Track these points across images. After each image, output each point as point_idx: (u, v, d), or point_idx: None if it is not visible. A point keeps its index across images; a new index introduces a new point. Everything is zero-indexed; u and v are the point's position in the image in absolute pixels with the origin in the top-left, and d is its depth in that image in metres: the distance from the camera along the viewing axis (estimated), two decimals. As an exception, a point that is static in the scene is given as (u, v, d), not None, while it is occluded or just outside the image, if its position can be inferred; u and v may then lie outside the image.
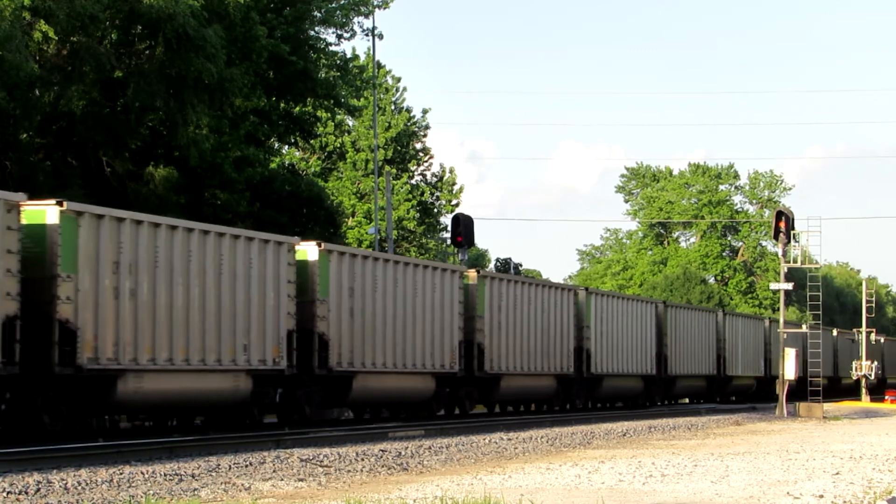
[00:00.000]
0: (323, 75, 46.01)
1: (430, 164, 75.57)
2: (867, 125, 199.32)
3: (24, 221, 22.03)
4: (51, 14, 31.62)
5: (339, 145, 69.14)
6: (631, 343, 46.37)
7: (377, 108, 61.31)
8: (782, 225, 46.56)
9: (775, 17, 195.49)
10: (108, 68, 34.90)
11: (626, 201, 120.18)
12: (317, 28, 46.81)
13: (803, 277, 53.34)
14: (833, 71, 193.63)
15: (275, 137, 48.37)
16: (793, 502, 15.32)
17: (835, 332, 75.15)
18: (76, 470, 17.99)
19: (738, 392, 61.80)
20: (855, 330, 77.89)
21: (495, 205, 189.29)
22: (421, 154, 74.74)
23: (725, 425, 37.01)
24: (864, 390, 67.83)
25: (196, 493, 15.82)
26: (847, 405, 57.91)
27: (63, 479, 16.66)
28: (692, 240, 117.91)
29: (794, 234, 47.02)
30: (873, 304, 73.31)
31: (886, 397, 65.92)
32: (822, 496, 15.86)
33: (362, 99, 56.11)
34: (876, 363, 70.00)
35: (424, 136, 74.99)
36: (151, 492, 15.77)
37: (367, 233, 65.05)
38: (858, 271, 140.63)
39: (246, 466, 19.28)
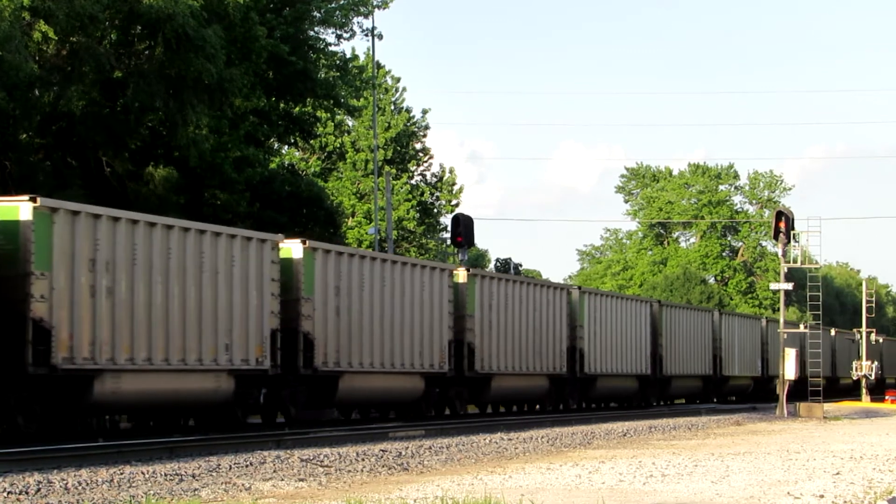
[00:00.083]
0: (323, 75, 46.02)
1: (430, 165, 75.64)
2: (867, 125, 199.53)
3: (-4, 218, 21.69)
4: (50, 14, 31.60)
5: (338, 145, 69.14)
6: (625, 343, 46.12)
7: (377, 108, 61.31)
8: (782, 225, 46.54)
9: (775, 17, 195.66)
10: (108, 68, 34.89)
11: (626, 201, 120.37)
12: (316, 28, 46.84)
13: (803, 277, 53.33)
14: (833, 71, 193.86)
15: (274, 137, 48.36)
16: (793, 502, 15.32)
17: (833, 332, 75.16)
18: (77, 470, 17.98)
19: (735, 392, 61.71)
20: (855, 330, 77.90)
21: (495, 205, 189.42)
22: (421, 154, 74.73)
23: (726, 425, 37.00)
24: (864, 390, 67.83)
25: (196, 493, 15.81)
26: (847, 405, 57.90)
27: (63, 479, 16.65)
28: (692, 240, 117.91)
29: (794, 234, 47.00)
30: (873, 304, 73.29)
31: (887, 397, 65.94)
32: (822, 496, 15.85)
33: (362, 99, 56.10)
34: (876, 363, 70.01)
35: (424, 136, 75.06)
36: (152, 492, 15.76)
37: (367, 233, 65.04)
38: (858, 271, 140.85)
39: (246, 466, 19.27)
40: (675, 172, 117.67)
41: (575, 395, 43.20)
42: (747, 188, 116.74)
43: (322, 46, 46.92)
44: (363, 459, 21.00)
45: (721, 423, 37.70)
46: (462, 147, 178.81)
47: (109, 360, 23.54)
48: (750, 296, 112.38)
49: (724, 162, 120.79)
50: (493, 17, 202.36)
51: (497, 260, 59.35)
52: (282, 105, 45.96)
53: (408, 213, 70.55)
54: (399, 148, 71.56)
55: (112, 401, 24.15)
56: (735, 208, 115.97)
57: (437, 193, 75.33)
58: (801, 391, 50.63)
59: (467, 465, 20.99)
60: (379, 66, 69.34)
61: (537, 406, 41.79)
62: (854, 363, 69.60)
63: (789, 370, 45.55)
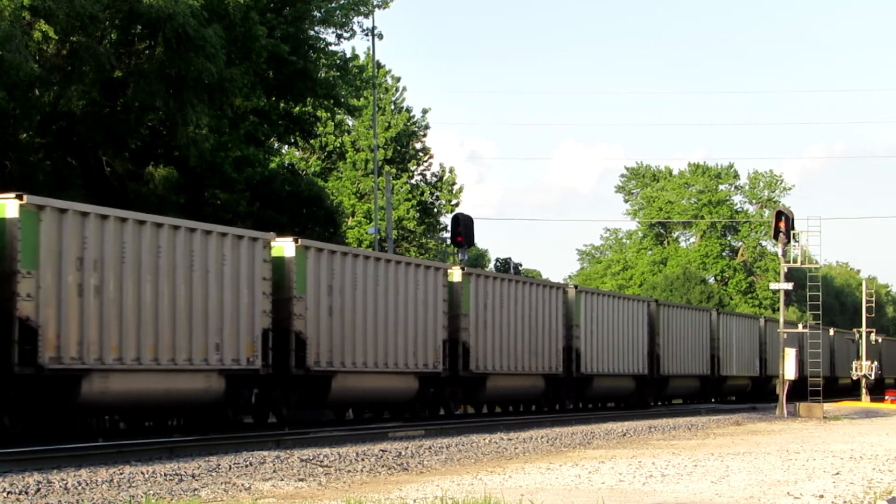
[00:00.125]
0: (323, 75, 46.01)
1: (430, 164, 75.65)
2: (867, 125, 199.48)
3: (-19, 216, 21.44)
4: (50, 14, 31.61)
5: (338, 145, 69.14)
6: (622, 342, 45.91)
7: (377, 108, 61.31)
8: (782, 225, 46.53)
9: (775, 17, 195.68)
10: (108, 68, 34.89)
11: (626, 201, 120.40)
12: (316, 28, 46.83)
13: (803, 277, 53.32)
14: (833, 71, 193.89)
15: (275, 137, 48.36)
16: (793, 502, 15.32)
17: (831, 332, 75.16)
18: (76, 470, 17.98)
19: (733, 392, 61.60)
20: (855, 330, 77.91)
21: (495, 205, 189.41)
22: (421, 154, 74.75)
23: (725, 425, 36.99)
24: (864, 390, 67.85)
25: (196, 493, 15.82)
26: (847, 405, 57.90)
27: (63, 479, 16.66)
28: (692, 240, 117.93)
29: (793, 234, 46.98)
30: (873, 304, 73.32)
31: (886, 397, 65.96)
32: (822, 496, 15.85)
33: (362, 99, 56.13)
34: (875, 363, 70.02)
35: (424, 135, 75.08)
36: (152, 492, 15.76)
37: (367, 233, 65.06)
38: (858, 271, 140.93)
39: (246, 466, 19.27)
40: (675, 172, 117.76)
41: (571, 395, 42.99)
42: (747, 188, 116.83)
43: (322, 46, 46.91)
44: (363, 459, 21.00)
45: (721, 423, 37.69)
46: (462, 147, 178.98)
47: (97, 359, 23.23)
48: (750, 296, 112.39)
49: (724, 162, 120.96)
50: (493, 17, 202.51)
51: (497, 260, 59.45)
52: (282, 105, 45.96)
53: (408, 213, 70.55)
54: (399, 147, 71.57)
55: (100, 401, 23.83)
56: (735, 208, 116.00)
57: (437, 193, 75.33)
58: (800, 391, 50.63)
59: (467, 465, 20.99)
60: (379, 65, 69.38)
61: (533, 406, 41.62)
62: (854, 363, 69.61)
63: (789, 370, 45.53)
